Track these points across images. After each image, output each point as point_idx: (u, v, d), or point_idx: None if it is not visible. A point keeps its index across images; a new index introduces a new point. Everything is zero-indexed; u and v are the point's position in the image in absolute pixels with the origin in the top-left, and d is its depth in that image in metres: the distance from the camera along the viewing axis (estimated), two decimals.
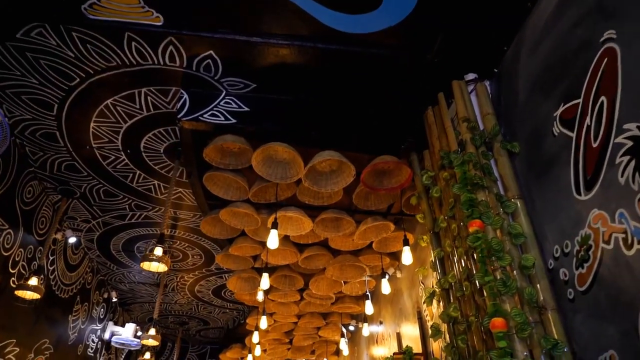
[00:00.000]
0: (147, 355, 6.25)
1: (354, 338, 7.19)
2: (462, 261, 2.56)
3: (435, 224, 3.00)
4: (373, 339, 6.11)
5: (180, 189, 4.60)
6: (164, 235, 3.57)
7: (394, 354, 4.19)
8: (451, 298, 2.74)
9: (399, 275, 5.04)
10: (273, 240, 3.37)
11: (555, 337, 1.88)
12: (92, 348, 6.46)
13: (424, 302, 4.03)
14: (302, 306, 5.94)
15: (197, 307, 7.87)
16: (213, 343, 10.17)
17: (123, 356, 8.33)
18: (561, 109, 2.06)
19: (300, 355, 8.29)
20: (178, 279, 6.68)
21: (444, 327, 2.79)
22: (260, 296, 4.70)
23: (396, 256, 5.13)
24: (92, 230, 5.39)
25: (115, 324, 7.22)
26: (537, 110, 2.27)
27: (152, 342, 5.20)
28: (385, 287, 4.39)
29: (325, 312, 6.55)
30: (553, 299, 1.99)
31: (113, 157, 4.15)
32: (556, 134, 2.08)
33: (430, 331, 4.19)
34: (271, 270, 5.13)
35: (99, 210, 5.01)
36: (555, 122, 2.10)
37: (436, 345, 3.89)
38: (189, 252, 5.88)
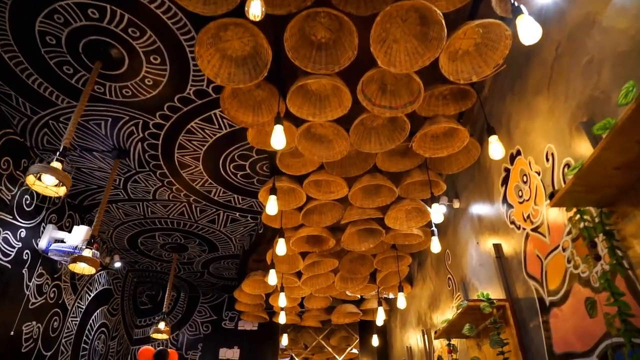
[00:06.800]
0: (87, 252, 3.53)
1: (445, 237, 4.24)
2: None
3: None
4: (489, 223, 3.23)
5: None
6: None
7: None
8: None
9: None
10: None
11: None
12: (4, 254, 3.85)
13: None
14: (356, 137, 3.07)
15: (191, 209, 5.15)
16: (229, 288, 7.45)
17: (94, 292, 5.74)
18: None
19: (353, 284, 5.40)
20: (140, 131, 3.92)
21: None
22: None
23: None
24: None
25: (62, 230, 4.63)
26: None
27: (52, 188, 2.45)
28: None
29: (396, 173, 3.66)
30: None
31: None
32: None
33: None
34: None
35: None
36: None
37: None
38: (138, 46, 3.11)
